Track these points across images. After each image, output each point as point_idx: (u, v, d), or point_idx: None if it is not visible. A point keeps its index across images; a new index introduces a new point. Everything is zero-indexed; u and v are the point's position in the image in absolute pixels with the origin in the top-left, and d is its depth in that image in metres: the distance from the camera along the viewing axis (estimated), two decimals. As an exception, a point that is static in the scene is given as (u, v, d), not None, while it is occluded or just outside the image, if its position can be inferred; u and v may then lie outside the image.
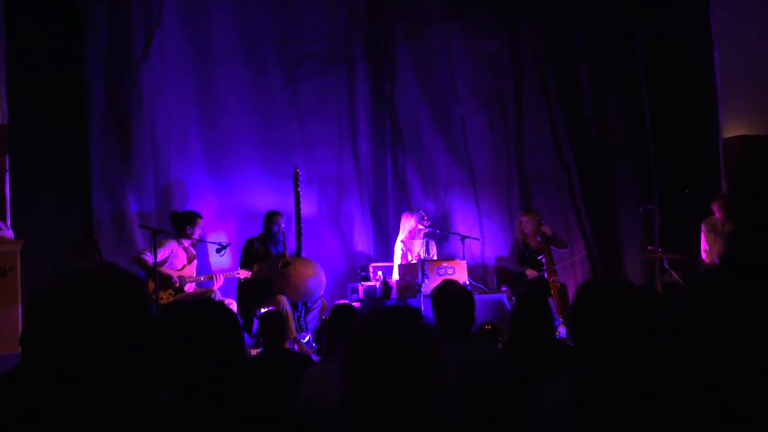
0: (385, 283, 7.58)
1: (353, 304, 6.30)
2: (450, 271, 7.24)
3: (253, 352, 6.32)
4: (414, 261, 7.70)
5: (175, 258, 7.32)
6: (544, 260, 7.92)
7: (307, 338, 7.31)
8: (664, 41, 9.12)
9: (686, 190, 8.22)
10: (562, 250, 8.25)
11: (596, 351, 2.10)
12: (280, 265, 7.46)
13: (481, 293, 7.68)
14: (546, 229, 7.99)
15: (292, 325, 7.14)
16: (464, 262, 7.61)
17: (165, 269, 7.21)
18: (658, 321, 2.04)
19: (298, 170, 7.77)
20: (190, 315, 1.93)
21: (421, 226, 7.98)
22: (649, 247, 8.60)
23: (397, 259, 7.96)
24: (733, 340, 1.07)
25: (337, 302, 5.65)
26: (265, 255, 7.63)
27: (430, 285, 6.58)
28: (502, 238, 9.09)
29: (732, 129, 8.86)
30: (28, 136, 7.40)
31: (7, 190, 7.08)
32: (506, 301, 7.45)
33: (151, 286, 6.95)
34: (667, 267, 7.99)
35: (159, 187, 8.21)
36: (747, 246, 1.14)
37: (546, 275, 7.81)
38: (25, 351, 1.27)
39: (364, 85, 8.95)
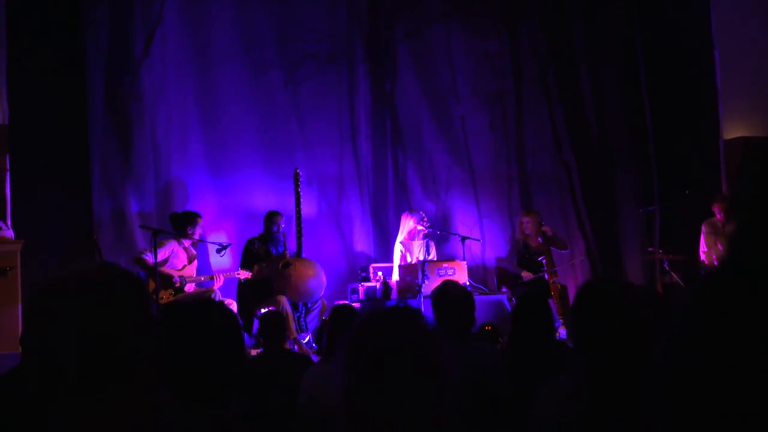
0: (386, 284, 7.58)
1: (353, 304, 6.30)
2: (450, 271, 7.24)
3: (253, 352, 6.33)
4: (413, 262, 7.70)
5: (175, 258, 7.32)
6: (544, 261, 7.91)
7: (307, 339, 7.31)
8: (664, 41, 9.12)
9: (687, 191, 8.22)
10: (563, 251, 8.25)
11: (596, 352, 2.10)
12: (280, 265, 7.46)
13: (481, 294, 7.68)
14: (546, 229, 7.99)
15: (292, 325, 7.14)
16: (464, 262, 7.60)
17: (165, 269, 7.21)
18: (658, 322, 2.04)
19: (298, 170, 7.77)
20: (190, 315, 1.93)
21: (420, 227, 7.96)
22: (650, 248, 8.60)
23: (396, 261, 7.94)
24: (734, 341, 1.07)
25: (337, 303, 5.66)
26: (266, 255, 7.63)
27: (430, 286, 6.58)
28: (502, 239, 9.09)
29: (732, 129, 8.87)
30: (29, 136, 7.40)
31: (8, 190, 7.09)
32: (506, 302, 7.45)
33: (152, 285, 6.96)
34: (667, 268, 7.99)
35: (159, 187, 8.22)
36: (748, 247, 1.14)
37: (546, 276, 7.81)
38: (26, 351, 1.26)
39: (364, 85, 8.95)
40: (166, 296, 7.16)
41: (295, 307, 7.36)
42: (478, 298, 4.83)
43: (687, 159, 8.87)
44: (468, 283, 7.40)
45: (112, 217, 8.00)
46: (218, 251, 7.69)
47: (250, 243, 7.74)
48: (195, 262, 7.56)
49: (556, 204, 9.24)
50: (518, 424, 3.21)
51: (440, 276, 7.05)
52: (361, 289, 7.56)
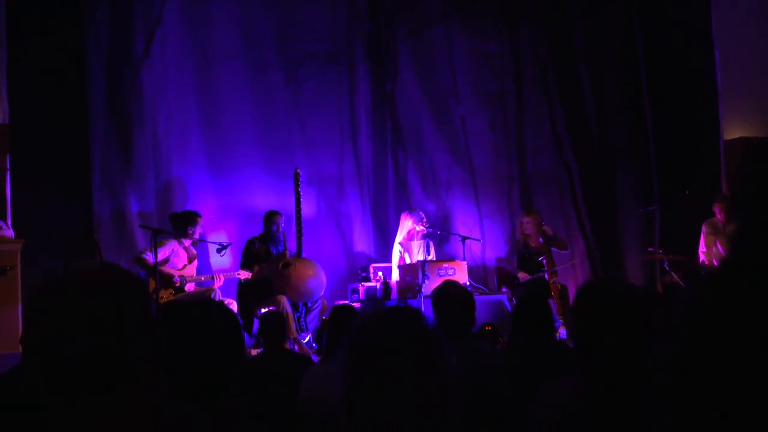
0: (386, 284, 7.58)
1: (354, 304, 6.30)
2: (450, 271, 7.24)
3: (253, 352, 6.32)
4: (412, 262, 7.69)
5: (175, 257, 7.33)
6: (544, 261, 7.91)
7: (307, 338, 7.31)
8: (664, 41, 9.12)
9: (687, 191, 8.22)
10: (563, 252, 8.25)
11: (596, 352, 2.09)
12: (280, 265, 7.46)
13: (481, 294, 7.67)
14: (547, 229, 7.98)
15: (293, 325, 7.14)
16: (465, 262, 7.60)
17: (166, 269, 7.21)
18: (658, 322, 2.04)
19: (298, 170, 7.77)
20: (190, 315, 1.93)
21: (418, 228, 7.94)
22: (650, 248, 8.60)
23: (395, 262, 7.92)
24: (736, 341, 1.07)
25: (337, 303, 5.66)
26: (266, 255, 7.63)
27: (430, 286, 6.57)
28: (502, 239, 9.08)
29: (733, 130, 8.87)
30: (29, 136, 7.40)
31: (8, 190, 7.09)
32: (506, 302, 7.45)
33: (152, 285, 6.96)
34: (667, 268, 7.99)
35: (159, 187, 8.22)
36: (750, 247, 1.14)
37: (546, 276, 7.80)
38: (26, 351, 1.26)
39: (364, 85, 8.95)
40: (166, 296, 7.16)
41: (295, 307, 7.36)
42: (478, 298, 4.83)
43: (687, 159, 8.87)
44: (468, 283, 7.40)
45: (112, 216, 8.00)
46: (218, 251, 7.70)
47: (250, 243, 7.74)
48: (195, 262, 7.56)
49: (557, 204, 9.24)
50: (518, 424, 3.21)
51: (440, 276, 7.04)
52: (361, 289, 7.55)
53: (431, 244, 8.15)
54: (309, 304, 7.49)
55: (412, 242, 8.01)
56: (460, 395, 1.51)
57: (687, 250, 8.01)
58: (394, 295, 7.49)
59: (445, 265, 7.40)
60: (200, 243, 7.72)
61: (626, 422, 2.00)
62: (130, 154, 8.12)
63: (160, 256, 7.08)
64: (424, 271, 7.16)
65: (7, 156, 7.14)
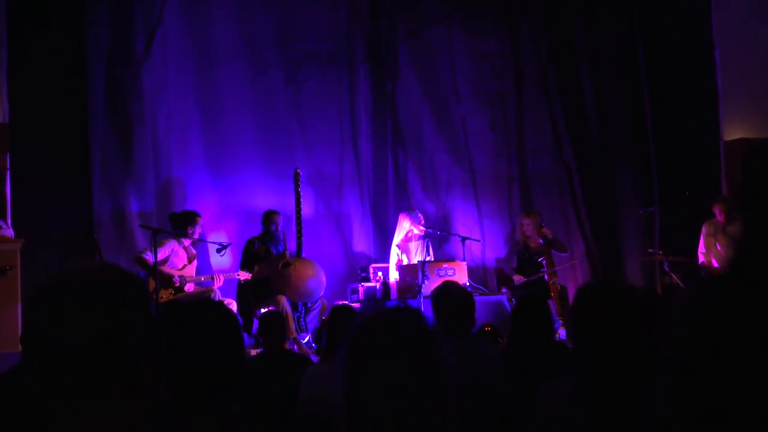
0: (386, 284, 7.58)
1: (353, 304, 6.30)
2: (450, 272, 7.24)
3: (253, 352, 6.32)
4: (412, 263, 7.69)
5: (175, 257, 7.33)
6: (544, 262, 7.91)
7: (306, 339, 7.30)
8: (665, 42, 9.12)
9: (687, 192, 8.22)
10: (563, 254, 8.24)
11: (596, 353, 2.09)
12: (280, 265, 7.46)
13: (481, 294, 7.67)
14: (547, 231, 7.97)
15: (292, 325, 7.14)
16: (464, 263, 7.59)
17: (166, 268, 7.21)
18: (658, 323, 2.04)
19: (298, 170, 7.77)
20: (190, 315, 1.93)
21: (416, 230, 7.92)
22: (650, 249, 8.60)
23: (393, 264, 7.91)
24: (739, 343, 1.07)
25: (336, 303, 5.65)
26: (266, 255, 7.63)
27: (430, 286, 6.57)
28: (502, 240, 9.09)
29: (733, 131, 8.87)
30: (29, 135, 7.40)
31: (8, 189, 7.09)
32: (506, 303, 7.45)
33: (152, 285, 6.96)
34: (667, 269, 7.99)
35: (159, 187, 8.22)
36: (755, 249, 1.14)
37: (546, 277, 7.80)
38: (25, 350, 1.26)
39: (365, 85, 8.95)
40: (166, 296, 7.16)
41: (295, 307, 7.36)
42: (478, 299, 4.83)
43: (687, 160, 8.87)
44: (468, 284, 7.40)
45: (112, 216, 8.00)
46: (218, 251, 7.70)
47: (250, 243, 7.74)
48: (195, 262, 7.56)
49: (556, 204, 9.24)
50: (518, 424, 3.21)
51: (440, 276, 7.04)
52: (361, 290, 7.55)
53: (430, 244, 8.14)
54: (309, 304, 7.49)
55: (409, 244, 8.00)
56: (460, 395, 1.51)
57: (687, 250, 8.01)
58: (393, 295, 7.49)
59: (445, 265, 7.40)
60: (200, 243, 7.72)
61: (626, 422, 2.00)
62: (130, 154, 8.11)
63: (160, 256, 7.08)
64: (423, 272, 7.16)
65: (7, 155, 7.13)
